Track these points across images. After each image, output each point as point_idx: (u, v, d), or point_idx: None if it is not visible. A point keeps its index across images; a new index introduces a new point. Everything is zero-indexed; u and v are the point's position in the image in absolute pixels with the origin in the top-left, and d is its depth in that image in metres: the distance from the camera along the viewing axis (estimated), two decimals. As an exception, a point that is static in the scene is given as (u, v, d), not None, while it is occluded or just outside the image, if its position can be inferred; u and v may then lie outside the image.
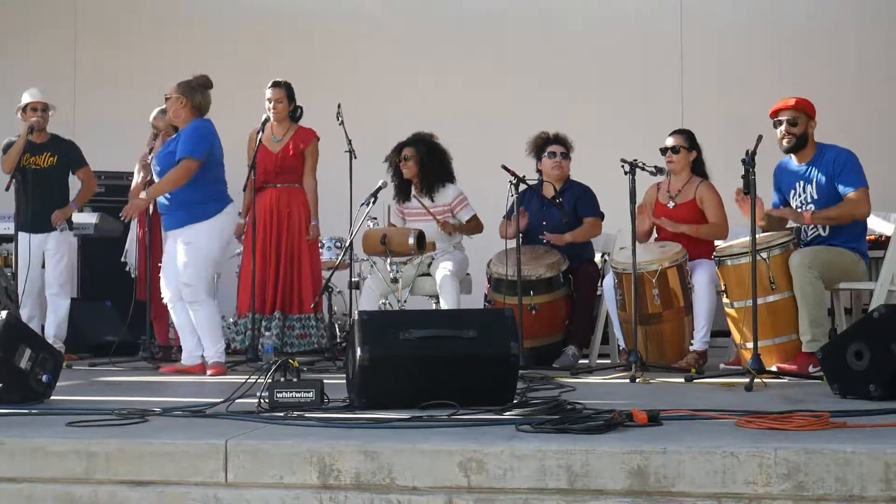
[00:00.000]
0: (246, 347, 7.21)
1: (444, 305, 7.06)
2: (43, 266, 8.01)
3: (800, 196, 6.24)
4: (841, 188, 6.06)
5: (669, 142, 6.93)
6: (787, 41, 9.71)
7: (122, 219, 6.98)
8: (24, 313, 7.65)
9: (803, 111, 6.18)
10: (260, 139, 7.37)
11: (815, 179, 6.17)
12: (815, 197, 6.16)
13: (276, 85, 7.53)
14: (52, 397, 4.98)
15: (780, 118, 6.20)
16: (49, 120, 8.01)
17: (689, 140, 6.95)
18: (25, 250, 7.75)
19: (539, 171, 7.33)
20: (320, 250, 8.01)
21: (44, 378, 4.91)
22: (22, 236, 7.74)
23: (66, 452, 3.71)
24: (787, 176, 6.33)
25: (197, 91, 6.76)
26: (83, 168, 8.13)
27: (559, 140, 7.31)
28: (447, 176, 7.52)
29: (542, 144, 7.30)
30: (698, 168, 6.97)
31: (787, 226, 6.46)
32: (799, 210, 6.20)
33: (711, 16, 9.94)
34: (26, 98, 7.89)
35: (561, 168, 7.25)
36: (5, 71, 10.37)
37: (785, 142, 6.19)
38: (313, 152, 7.57)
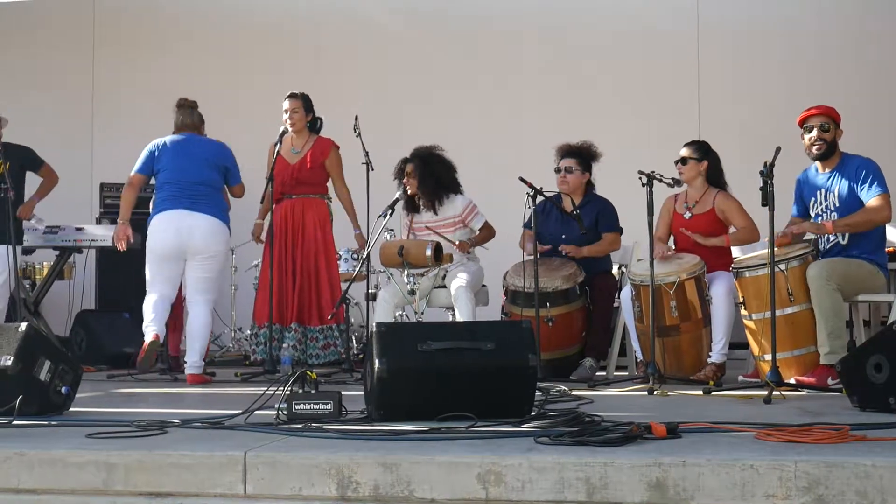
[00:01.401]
0: (264, 358, 7.24)
1: (459, 317, 7.06)
2: None
3: (820, 204, 6.21)
4: (863, 194, 6.03)
5: (681, 153, 6.93)
6: (804, 50, 9.69)
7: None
8: None
9: (832, 118, 6.16)
10: (278, 151, 7.42)
11: (837, 188, 6.14)
12: (837, 205, 6.12)
13: (292, 96, 7.57)
14: (70, 409, 5.00)
15: (810, 124, 6.16)
16: (2, 134, 7.88)
17: (698, 151, 6.92)
18: None
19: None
20: (337, 262, 8.02)
21: (63, 390, 4.93)
22: None
23: (85, 464, 3.73)
24: (809, 185, 6.30)
25: (175, 114, 7.35)
26: (44, 166, 8.02)
27: (573, 153, 7.27)
28: (450, 187, 7.51)
29: (559, 156, 7.30)
30: (715, 178, 6.94)
31: (806, 238, 6.44)
32: (819, 220, 6.17)
33: (728, 26, 9.92)
34: None
35: (567, 183, 7.22)
36: (24, 84, 10.44)
37: (815, 148, 6.15)
38: (335, 162, 7.58)
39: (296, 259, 7.47)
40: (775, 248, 5.70)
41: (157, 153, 7.16)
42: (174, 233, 7.00)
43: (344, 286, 7.47)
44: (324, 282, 7.47)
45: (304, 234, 7.49)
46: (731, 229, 6.84)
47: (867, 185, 6.02)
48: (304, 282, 7.45)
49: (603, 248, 7.20)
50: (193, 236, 7.00)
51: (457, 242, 7.35)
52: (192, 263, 7.09)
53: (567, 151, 7.29)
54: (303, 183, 7.53)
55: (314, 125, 7.66)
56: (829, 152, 6.17)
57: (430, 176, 7.42)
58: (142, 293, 8.05)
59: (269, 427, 4.25)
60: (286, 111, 7.53)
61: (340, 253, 8.26)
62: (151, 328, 6.97)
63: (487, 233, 7.52)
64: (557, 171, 7.26)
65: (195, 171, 7.11)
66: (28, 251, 8.85)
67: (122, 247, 7.19)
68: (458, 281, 7.16)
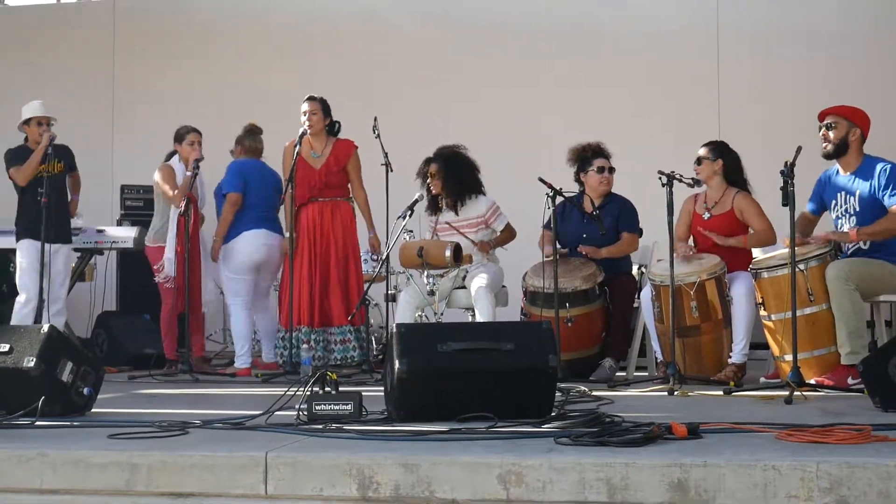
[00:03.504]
0: (285, 360, 7.27)
1: (479, 318, 7.05)
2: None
3: (841, 207, 6.18)
4: (885, 200, 5.99)
5: (697, 153, 6.90)
6: (824, 50, 9.64)
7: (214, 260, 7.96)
8: (60, 322, 7.63)
9: (844, 117, 6.11)
10: (298, 152, 7.44)
11: (857, 191, 6.10)
12: (858, 209, 6.08)
13: (310, 99, 7.61)
14: (92, 410, 5.03)
15: (820, 123, 6.16)
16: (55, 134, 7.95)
17: (714, 151, 6.87)
18: (37, 260, 7.54)
19: (580, 182, 7.30)
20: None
21: (85, 391, 4.96)
22: (33, 244, 7.56)
23: (107, 464, 3.75)
24: (830, 187, 6.26)
25: (245, 136, 8.10)
26: (76, 171, 8.11)
27: (605, 153, 7.28)
28: (474, 188, 7.50)
29: (589, 156, 7.26)
30: (734, 177, 6.90)
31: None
32: (839, 223, 6.14)
33: (747, 26, 9.88)
34: (33, 112, 7.81)
35: (609, 184, 7.23)
36: (46, 86, 10.48)
37: (822, 146, 6.14)
38: (356, 164, 7.64)
39: (328, 261, 7.48)
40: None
41: (245, 175, 7.86)
42: (261, 249, 7.80)
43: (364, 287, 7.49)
44: (352, 283, 7.49)
45: (334, 236, 7.50)
46: (751, 231, 6.81)
47: (889, 190, 5.97)
48: (334, 283, 7.45)
49: (621, 248, 7.18)
50: (272, 252, 7.81)
51: (477, 242, 7.34)
52: (265, 275, 7.98)
53: (600, 151, 7.27)
54: (331, 186, 7.58)
55: (332, 129, 7.68)
56: (837, 152, 6.14)
57: (455, 176, 7.41)
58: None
59: (289, 428, 4.27)
60: (304, 112, 7.55)
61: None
62: (244, 359, 7.73)
63: (508, 234, 7.51)
64: (601, 170, 7.21)
65: (271, 197, 7.84)
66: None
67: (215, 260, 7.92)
68: (479, 281, 7.15)
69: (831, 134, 6.11)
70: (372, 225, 7.68)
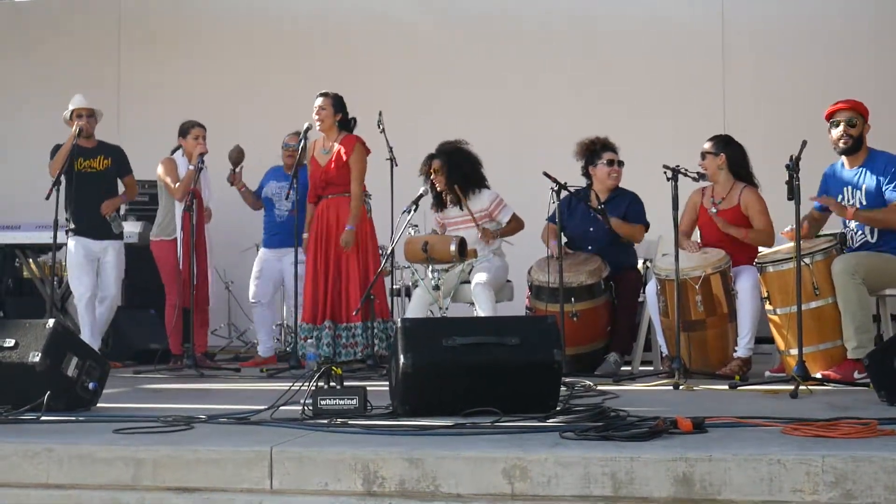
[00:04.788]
0: (289, 355, 7.30)
1: (479, 314, 7.04)
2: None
3: (847, 201, 6.16)
4: (887, 194, 5.99)
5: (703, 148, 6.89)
6: (829, 46, 9.62)
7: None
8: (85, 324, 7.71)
9: (860, 113, 6.11)
10: (302, 147, 7.43)
11: (864, 185, 6.09)
12: (864, 203, 6.07)
13: (321, 95, 7.55)
14: (98, 405, 5.04)
15: (837, 119, 6.12)
16: (96, 126, 8.03)
17: (717, 145, 6.85)
18: (84, 256, 7.76)
19: (588, 176, 7.27)
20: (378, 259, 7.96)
21: (90, 386, 4.97)
22: (80, 241, 7.74)
23: (113, 459, 3.76)
24: (836, 181, 6.25)
25: None
26: (130, 175, 8.20)
27: (613, 147, 7.26)
28: (477, 181, 7.48)
29: (598, 150, 7.24)
30: (740, 171, 6.88)
31: (830, 232, 6.40)
32: (847, 223, 6.13)
33: (753, 21, 9.87)
34: (72, 104, 7.92)
35: (618, 177, 7.21)
36: (50, 82, 10.49)
37: (842, 143, 6.11)
38: (356, 158, 7.47)
39: (329, 258, 7.45)
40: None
41: None
42: None
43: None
44: (354, 280, 7.42)
45: (337, 234, 7.45)
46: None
47: (893, 184, 5.97)
48: (335, 280, 7.44)
49: (629, 230, 7.11)
50: None
51: (480, 228, 7.30)
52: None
53: (609, 145, 7.25)
54: (331, 183, 7.50)
55: (346, 124, 7.60)
56: (855, 147, 6.13)
57: (458, 171, 7.39)
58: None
59: (294, 423, 4.27)
60: (314, 109, 7.53)
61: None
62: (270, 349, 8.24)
63: (517, 224, 7.48)
64: (611, 163, 7.18)
65: None
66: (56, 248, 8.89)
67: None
68: (478, 278, 7.14)
69: (853, 131, 6.08)
70: (352, 220, 7.41)
